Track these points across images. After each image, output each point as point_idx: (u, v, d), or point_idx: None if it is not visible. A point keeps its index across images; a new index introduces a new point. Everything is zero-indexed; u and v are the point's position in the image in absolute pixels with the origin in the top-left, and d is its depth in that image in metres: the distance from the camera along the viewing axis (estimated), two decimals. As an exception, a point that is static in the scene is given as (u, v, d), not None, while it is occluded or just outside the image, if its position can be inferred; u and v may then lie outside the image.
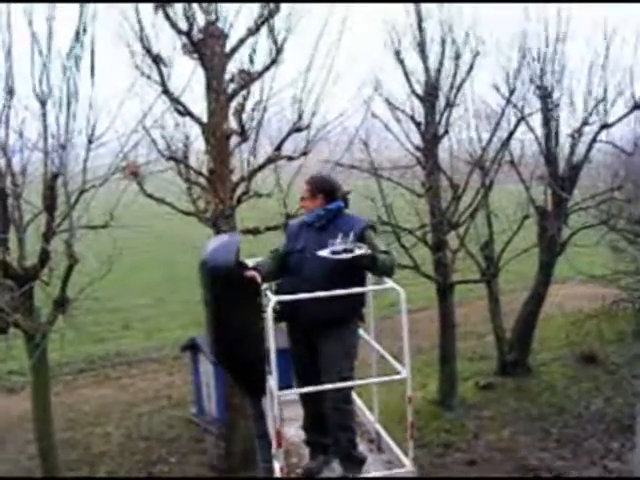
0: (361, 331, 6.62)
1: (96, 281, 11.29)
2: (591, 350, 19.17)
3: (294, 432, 6.77)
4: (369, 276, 6.58)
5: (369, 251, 5.96)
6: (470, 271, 16.99)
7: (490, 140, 16.32)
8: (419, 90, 16.17)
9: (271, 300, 5.80)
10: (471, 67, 15.78)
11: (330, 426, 6.39)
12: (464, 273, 16.80)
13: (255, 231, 13.09)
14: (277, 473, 6.05)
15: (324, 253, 5.98)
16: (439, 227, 15.79)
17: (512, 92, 16.22)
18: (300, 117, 12.86)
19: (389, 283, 6.12)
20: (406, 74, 16.14)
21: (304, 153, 13.05)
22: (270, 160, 13.05)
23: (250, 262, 6.31)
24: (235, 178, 13.05)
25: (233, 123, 12.85)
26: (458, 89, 15.89)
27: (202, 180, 13.17)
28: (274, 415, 6.00)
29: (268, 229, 13.01)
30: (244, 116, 12.77)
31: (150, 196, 13.10)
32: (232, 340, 6.20)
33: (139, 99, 11.79)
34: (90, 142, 10.99)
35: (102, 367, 20.72)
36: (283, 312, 6.10)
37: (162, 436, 15.60)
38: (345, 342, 6.27)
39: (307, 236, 6.37)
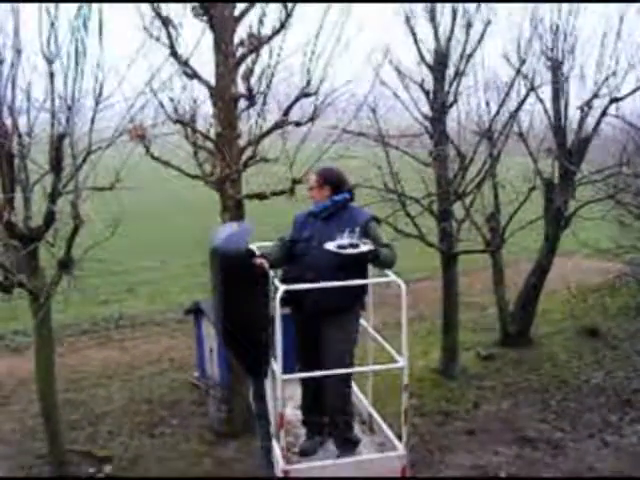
0: (361, 320, 6.96)
1: (101, 243, 11.32)
2: (593, 324, 19.23)
3: (290, 411, 6.99)
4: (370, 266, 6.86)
5: (373, 247, 6.31)
6: (475, 242, 16.96)
7: (499, 111, 16.20)
8: (429, 58, 16.05)
9: (279, 289, 6.00)
10: (482, 36, 15.64)
11: (328, 408, 6.75)
12: (469, 244, 16.78)
13: (261, 196, 13.07)
14: (277, 453, 6.37)
15: (331, 247, 6.30)
16: (445, 197, 15.75)
17: (522, 63, 16.07)
18: (308, 83, 12.77)
19: (391, 276, 6.49)
20: (416, 42, 16.02)
21: (311, 119, 13.00)
22: (277, 125, 13.00)
23: (258, 250, 6.61)
24: (242, 142, 13.02)
25: (241, 87, 12.79)
26: (468, 58, 15.75)
27: (209, 144, 13.14)
28: (277, 397, 6.28)
29: (274, 194, 12.99)
30: (252, 80, 12.70)
31: (156, 159, 13.07)
32: (239, 323, 6.47)
33: (147, 61, 11.72)
34: (97, 103, 10.94)
35: (105, 329, 20.80)
36: (288, 298, 6.25)
37: (164, 398, 15.70)
38: (346, 329, 6.66)
39: (313, 226, 6.67)
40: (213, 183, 13.17)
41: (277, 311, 6.02)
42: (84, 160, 10.88)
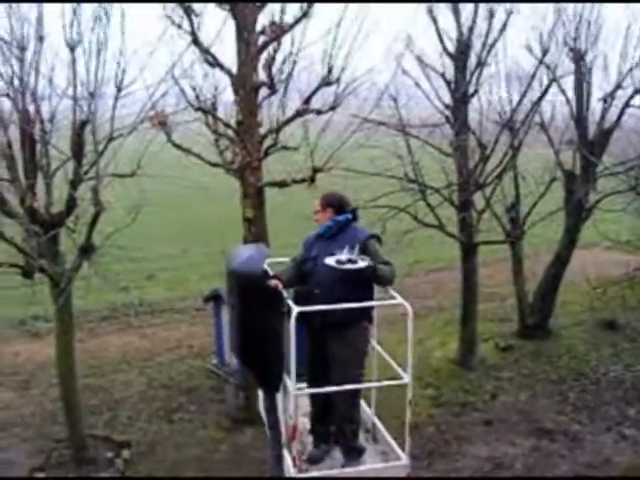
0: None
1: (121, 229, 11.39)
2: (613, 316, 19.13)
3: (298, 420, 7.10)
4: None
5: (371, 263, 6.68)
6: (495, 232, 16.92)
7: (520, 101, 16.10)
8: (451, 48, 15.98)
9: (294, 310, 6.34)
10: (504, 26, 15.53)
11: (336, 418, 7.17)
12: (489, 234, 16.73)
13: (282, 184, 13.10)
14: (288, 461, 6.79)
15: (330, 262, 6.73)
16: (465, 187, 15.69)
17: (545, 53, 15.95)
18: (330, 71, 12.78)
19: (398, 298, 6.78)
20: (438, 31, 15.95)
21: (333, 107, 13.00)
22: (299, 113, 13.01)
23: (272, 270, 7.12)
24: (263, 130, 13.04)
25: (262, 75, 12.81)
26: (490, 48, 15.66)
27: (230, 132, 13.17)
28: (290, 411, 6.76)
29: (294, 182, 13.01)
30: (274, 68, 12.72)
31: (177, 146, 13.12)
32: (255, 341, 6.86)
33: (169, 49, 11.76)
34: (119, 90, 11.00)
35: (125, 315, 20.92)
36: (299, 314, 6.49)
37: (182, 385, 15.79)
38: (353, 343, 6.99)
39: (319, 245, 7.15)
40: (234, 171, 13.22)
41: (292, 330, 6.32)
42: (105, 147, 10.95)
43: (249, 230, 13.31)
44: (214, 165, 13.52)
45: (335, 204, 7.33)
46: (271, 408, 7.31)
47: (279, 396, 7.25)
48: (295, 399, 6.61)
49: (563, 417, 14.15)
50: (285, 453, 6.96)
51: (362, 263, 6.67)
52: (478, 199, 16.12)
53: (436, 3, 15.82)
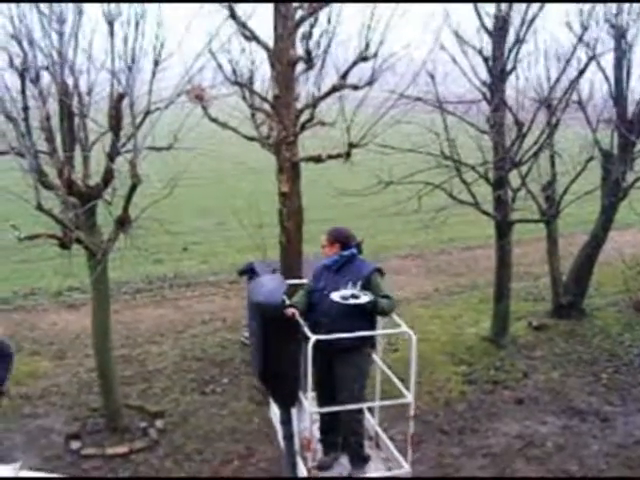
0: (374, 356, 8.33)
1: (158, 201, 11.49)
2: (647, 297, 19.00)
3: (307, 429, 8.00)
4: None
5: (372, 298, 7.55)
6: (530, 211, 16.82)
7: (558, 79, 15.93)
8: (489, 24, 15.82)
9: (311, 339, 7.18)
10: (544, 2, 15.34)
11: (342, 430, 8.05)
12: (524, 213, 16.64)
13: (317, 159, 13.13)
14: (302, 470, 7.73)
15: (335, 297, 7.62)
16: (501, 164, 15.59)
17: (585, 30, 15.75)
18: (367, 46, 12.74)
19: (403, 327, 7.69)
20: (476, 7, 15.79)
21: (369, 83, 12.98)
22: (335, 88, 13.01)
23: (287, 300, 7.97)
24: (299, 105, 13.06)
25: (300, 50, 12.80)
26: (529, 24, 15.48)
27: (266, 106, 13.20)
28: (306, 427, 7.71)
29: (330, 157, 13.04)
30: (311, 43, 12.71)
31: (214, 120, 13.19)
32: (275, 364, 7.82)
33: (206, 23, 11.79)
34: (156, 64, 11.05)
35: (160, 288, 21.14)
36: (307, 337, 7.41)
37: (215, 357, 15.94)
38: (357, 365, 7.88)
39: (326, 277, 7.98)
40: (270, 145, 13.26)
41: (309, 355, 7.15)
42: (143, 120, 11.02)
43: (284, 204, 13.36)
44: (250, 139, 13.58)
45: (341, 240, 8.11)
46: (287, 421, 8.22)
47: (293, 410, 8.25)
48: (311, 417, 7.59)
49: (595, 397, 14.11)
50: (299, 462, 7.91)
51: (364, 298, 7.55)
52: (514, 177, 16.01)
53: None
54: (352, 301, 7.54)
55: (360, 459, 8.08)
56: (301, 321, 7.62)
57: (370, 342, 7.98)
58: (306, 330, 7.44)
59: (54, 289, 20.31)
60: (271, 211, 14.13)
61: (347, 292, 7.62)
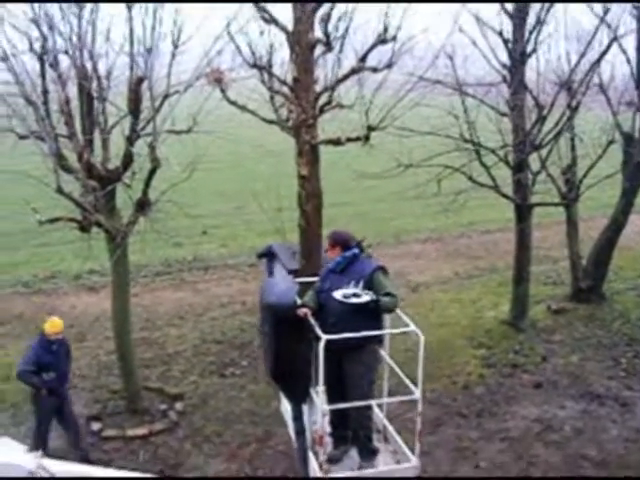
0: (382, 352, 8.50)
1: (177, 185, 11.52)
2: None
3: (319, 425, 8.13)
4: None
5: (373, 297, 7.73)
6: (550, 195, 16.73)
7: (579, 61, 15.78)
8: (509, 6, 15.69)
9: (322, 338, 7.36)
10: (565, -17, 15.22)
11: (352, 425, 8.20)
12: (544, 196, 16.55)
13: (336, 141, 13.11)
14: (313, 463, 7.97)
15: (338, 296, 7.81)
16: (521, 147, 15.50)
17: (606, 12, 15.58)
18: (386, 29, 12.68)
19: (411, 326, 7.80)
20: (497, -11, 15.67)
21: (388, 65, 12.92)
22: (354, 71, 12.96)
23: (299, 300, 8.18)
24: (318, 88, 13.02)
25: (318, 32, 12.76)
26: (550, 6, 15.33)
27: (285, 89, 13.18)
28: (318, 423, 7.93)
29: (349, 140, 13.01)
30: (330, 26, 12.66)
31: (233, 103, 13.18)
32: (287, 363, 8.07)
33: (225, 6, 11.76)
34: (175, 47, 11.05)
35: (179, 271, 21.23)
36: (318, 337, 7.56)
37: (234, 340, 16.01)
38: (365, 363, 8.06)
39: (331, 278, 8.16)
40: (289, 128, 13.24)
41: (321, 355, 7.32)
42: (162, 103, 11.04)
43: (303, 187, 13.36)
44: (269, 122, 13.57)
45: (341, 242, 8.26)
46: (299, 417, 8.47)
47: (304, 406, 8.48)
48: (323, 415, 7.74)
49: (614, 382, 14.07)
50: (311, 456, 8.09)
51: (365, 297, 7.73)
52: (534, 160, 15.92)
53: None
54: (354, 300, 7.76)
55: (369, 452, 8.30)
56: (312, 321, 7.79)
57: (377, 339, 8.15)
58: (317, 330, 7.62)
59: (74, 272, 20.45)
60: (290, 194, 14.14)
61: (349, 291, 7.83)
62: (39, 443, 10.63)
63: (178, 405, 13.02)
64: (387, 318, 8.41)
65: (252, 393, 13.50)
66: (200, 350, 15.52)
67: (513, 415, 12.88)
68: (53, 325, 11.02)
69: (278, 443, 11.81)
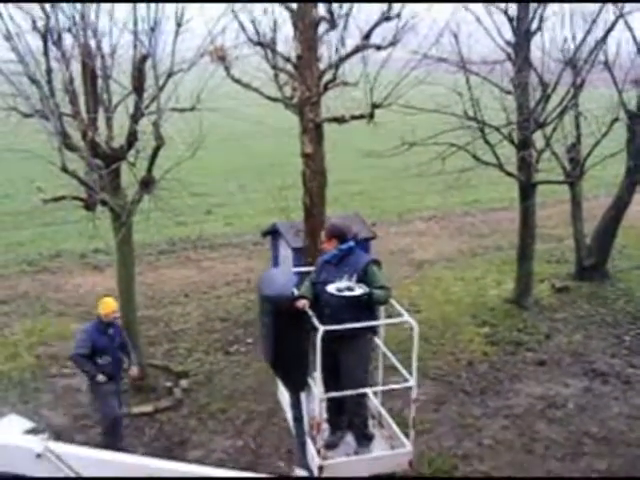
0: (377, 340, 8.64)
1: (181, 163, 11.52)
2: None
3: (317, 411, 8.24)
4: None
5: (366, 290, 7.82)
6: (554, 173, 16.71)
7: (584, 38, 15.71)
8: (513, -17, 15.61)
9: (320, 329, 7.45)
10: (570, -40, 15.13)
11: (348, 412, 8.38)
12: (548, 174, 16.53)
13: (340, 119, 13.09)
14: (312, 450, 8.07)
15: (331, 289, 7.89)
16: (526, 125, 15.46)
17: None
18: (390, 6, 12.63)
19: (405, 316, 7.88)
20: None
21: (392, 43, 12.89)
22: (358, 48, 12.93)
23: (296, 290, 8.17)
24: (322, 66, 12.99)
25: (322, 10, 12.72)
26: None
27: (289, 66, 13.15)
28: (315, 411, 8.04)
29: (353, 118, 13.00)
30: (333, 3, 12.62)
31: (237, 81, 13.16)
32: (285, 352, 8.10)
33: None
34: (179, 25, 11.03)
35: (184, 249, 21.26)
36: (315, 327, 7.66)
37: (239, 318, 16.07)
38: (359, 352, 8.16)
39: (327, 270, 8.24)
40: (293, 106, 13.22)
41: (319, 345, 7.42)
42: (166, 81, 11.03)
43: (307, 165, 13.36)
44: (273, 100, 13.55)
45: (337, 234, 8.27)
46: (296, 405, 8.49)
47: (303, 394, 8.52)
48: (320, 403, 7.86)
49: (617, 360, 14.11)
50: (309, 443, 8.17)
51: (358, 290, 7.81)
52: (538, 138, 15.89)
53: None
54: (347, 293, 7.83)
55: (365, 438, 8.43)
56: (310, 312, 7.85)
57: (372, 330, 8.26)
58: (315, 321, 7.70)
59: (79, 251, 20.51)
60: (294, 172, 14.13)
61: (342, 284, 7.91)
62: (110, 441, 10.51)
63: (183, 382, 13.08)
64: (381, 309, 8.53)
65: (257, 370, 13.53)
66: (205, 328, 15.59)
67: (516, 392, 12.93)
68: (106, 305, 10.67)
69: (282, 419, 11.86)
